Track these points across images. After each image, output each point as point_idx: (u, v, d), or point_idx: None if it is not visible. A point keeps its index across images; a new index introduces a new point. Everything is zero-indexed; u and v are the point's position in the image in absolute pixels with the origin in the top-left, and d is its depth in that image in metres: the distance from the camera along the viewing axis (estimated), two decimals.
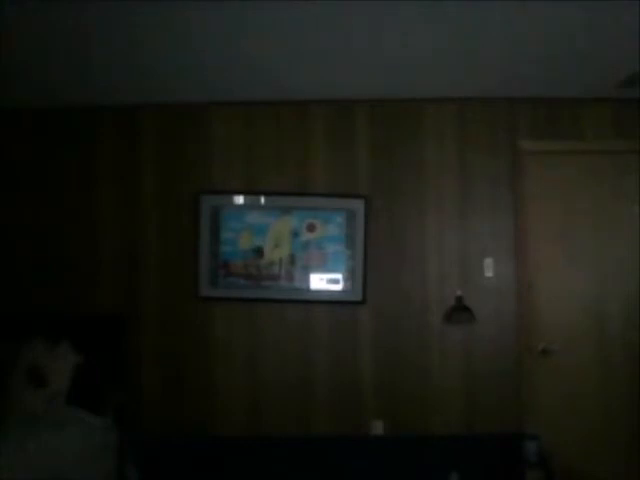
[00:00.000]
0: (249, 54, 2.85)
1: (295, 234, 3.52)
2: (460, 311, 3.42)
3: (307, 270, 3.51)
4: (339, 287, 3.51)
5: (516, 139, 3.53)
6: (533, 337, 3.46)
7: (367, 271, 3.49)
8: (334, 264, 3.51)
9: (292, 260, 3.52)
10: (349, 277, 3.51)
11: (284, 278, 3.52)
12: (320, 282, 3.52)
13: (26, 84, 3.24)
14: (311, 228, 3.52)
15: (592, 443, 3.38)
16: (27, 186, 3.64)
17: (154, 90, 3.37)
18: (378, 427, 3.47)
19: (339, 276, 3.51)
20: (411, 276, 3.52)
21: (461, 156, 3.55)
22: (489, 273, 3.49)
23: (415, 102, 3.54)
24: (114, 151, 3.63)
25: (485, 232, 3.52)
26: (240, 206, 3.57)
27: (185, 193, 3.58)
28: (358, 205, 3.51)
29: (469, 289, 3.48)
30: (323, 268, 3.51)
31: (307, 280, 3.51)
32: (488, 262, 3.50)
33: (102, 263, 3.59)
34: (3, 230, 3.62)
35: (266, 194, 3.55)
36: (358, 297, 3.48)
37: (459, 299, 3.43)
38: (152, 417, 3.49)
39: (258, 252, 3.52)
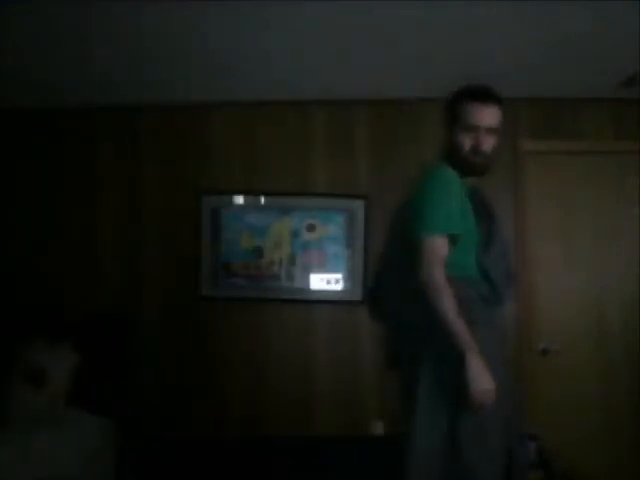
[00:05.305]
0: (249, 54, 2.85)
1: (295, 234, 3.52)
2: None
3: (307, 270, 3.52)
4: (339, 287, 3.51)
5: (516, 139, 3.52)
6: (533, 337, 3.46)
7: (367, 271, 3.49)
8: (334, 264, 3.51)
9: (292, 260, 3.52)
10: (349, 277, 3.51)
11: (284, 278, 3.52)
12: (320, 282, 3.52)
13: (26, 84, 3.24)
14: (311, 228, 3.52)
15: (592, 443, 3.38)
16: (27, 186, 3.65)
17: (155, 90, 3.37)
18: (378, 427, 3.47)
19: (339, 276, 3.52)
20: None
21: None
22: None
23: (415, 102, 3.54)
24: (114, 151, 3.64)
25: None
26: (240, 206, 3.57)
27: (185, 193, 3.58)
28: (358, 205, 3.51)
29: None
30: (323, 268, 3.52)
31: (307, 280, 3.52)
32: None
33: (102, 263, 3.59)
34: (3, 230, 3.62)
35: (266, 194, 3.56)
36: (358, 297, 3.48)
37: None
38: (152, 417, 3.49)
39: (258, 252, 3.52)
